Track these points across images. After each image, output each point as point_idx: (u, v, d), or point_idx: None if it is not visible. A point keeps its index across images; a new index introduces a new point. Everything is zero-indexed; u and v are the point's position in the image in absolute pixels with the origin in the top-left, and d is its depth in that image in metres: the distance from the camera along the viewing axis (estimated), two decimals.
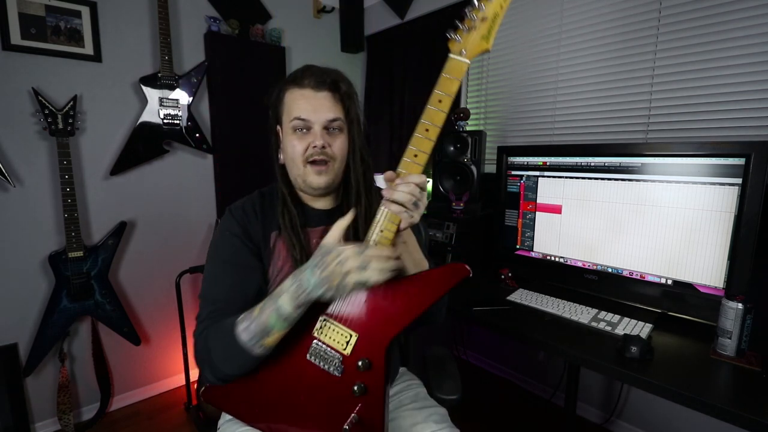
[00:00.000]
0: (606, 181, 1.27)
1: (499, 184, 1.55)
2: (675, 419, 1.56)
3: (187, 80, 1.88)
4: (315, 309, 0.74)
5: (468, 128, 1.88)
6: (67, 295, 1.62)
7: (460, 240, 1.64)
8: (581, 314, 1.19)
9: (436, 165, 1.90)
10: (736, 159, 1.04)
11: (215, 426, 0.93)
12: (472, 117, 2.03)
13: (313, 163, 0.80)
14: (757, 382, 0.88)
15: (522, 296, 1.34)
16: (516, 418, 1.87)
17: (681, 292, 1.16)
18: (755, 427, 0.77)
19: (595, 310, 1.21)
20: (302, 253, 0.81)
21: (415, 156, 0.70)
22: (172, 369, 2.05)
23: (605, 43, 1.63)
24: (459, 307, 1.30)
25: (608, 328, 1.11)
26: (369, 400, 0.73)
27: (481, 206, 1.79)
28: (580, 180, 1.33)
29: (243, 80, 2.06)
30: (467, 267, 0.71)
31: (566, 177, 1.37)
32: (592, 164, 1.31)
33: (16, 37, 1.53)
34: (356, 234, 0.83)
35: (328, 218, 0.87)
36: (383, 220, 0.71)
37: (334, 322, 0.75)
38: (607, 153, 1.28)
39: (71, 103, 1.59)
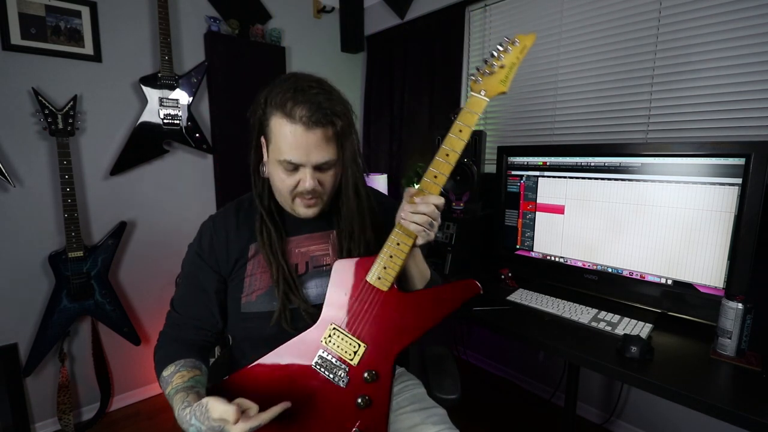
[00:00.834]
0: (606, 181, 1.27)
1: (499, 184, 1.55)
2: (675, 419, 1.56)
3: (187, 80, 1.88)
4: (324, 317, 0.76)
5: None
6: (67, 295, 1.62)
7: (460, 240, 1.64)
8: (581, 314, 1.19)
9: None
10: (736, 159, 1.04)
11: None
12: None
13: (303, 197, 0.78)
14: (757, 382, 0.88)
15: (522, 296, 1.34)
16: (516, 418, 1.87)
17: (681, 292, 1.16)
18: (755, 427, 0.76)
19: (595, 310, 1.21)
20: (279, 272, 0.80)
21: (435, 177, 0.76)
22: None
23: (605, 43, 1.63)
24: (459, 307, 1.30)
25: (608, 328, 1.11)
26: (373, 413, 0.73)
27: (481, 206, 1.79)
28: (580, 180, 1.33)
29: (243, 80, 2.06)
30: (478, 284, 0.74)
31: (566, 177, 1.37)
32: (592, 164, 1.30)
33: (16, 37, 1.53)
34: (344, 240, 0.84)
35: (312, 225, 0.86)
36: (400, 235, 0.75)
37: (344, 331, 0.76)
38: (607, 153, 1.28)
39: (71, 103, 1.59)
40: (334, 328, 0.76)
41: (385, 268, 0.76)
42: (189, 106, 1.89)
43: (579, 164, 1.34)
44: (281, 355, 0.77)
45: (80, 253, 1.62)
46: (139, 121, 1.79)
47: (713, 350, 0.99)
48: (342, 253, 0.84)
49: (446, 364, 1.07)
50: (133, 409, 1.91)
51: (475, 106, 0.77)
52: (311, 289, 0.84)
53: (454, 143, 0.76)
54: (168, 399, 0.74)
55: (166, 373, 0.77)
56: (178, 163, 1.98)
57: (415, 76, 2.32)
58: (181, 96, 1.87)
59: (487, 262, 1.65)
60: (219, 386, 0.78)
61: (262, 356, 0.78)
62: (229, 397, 0.74)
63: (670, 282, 1.18)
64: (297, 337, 0.76)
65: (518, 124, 1.97)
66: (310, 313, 0.80)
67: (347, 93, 0.85)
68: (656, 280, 1.21)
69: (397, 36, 2.39)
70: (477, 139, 1.77)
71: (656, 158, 1.17)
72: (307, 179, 0.75)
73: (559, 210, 1.39)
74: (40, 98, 1.52)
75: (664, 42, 1.48)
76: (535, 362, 2.02)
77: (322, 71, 0.81)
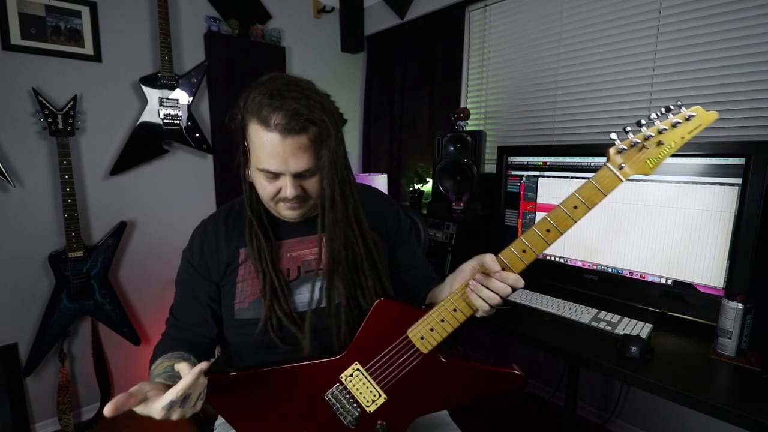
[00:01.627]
0: None
1: (499, 184, 1.55)
2: (675, 419, 1.56)
3: (187, 80, 1.88)
4: (350, 353, 0.72)
5: (468, 128, 1.88)
6: (67, 295, 1.62)
7: (460, 240, 1.64)
8: (581, 314, 1.19)
9: (436, 165, 1.90)
10: (736, 159, 1.04)
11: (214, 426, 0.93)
12: (472, 117, 2.03)
13: (286, 202, 0.75)
14: (757, 382, 0.88)
15: (522, 296, 1.34)
16: (516, 417, 1.87)
17: (681, 292, 1.16)
18: (755, 427, 0.76)
19: (595, 310, 1.21)
20: (266, 281, 0.78)
21: (524, 252, 0.65)
22: None
23: (605, 43, 1.63)
24: None
25: (608, 328, 1.11)
26: None
27: (481, 206, 1.79)
28: (580, 180, 1.33)
29: (243, 80, 2.02)
30: (524, 379, 0.68)
31: (566, 177, 1.37)
32: (592, 164, 1.31)
33: (16, 37, 1.53)
34: (338, 243, 0.78)
35: (304, 228, 0.84)
36: (460, 303, 0.67)
37: (368, 376, 0.72)
38: None
39: (71, 103, 1.59)
40: (357, 369, 0.72)
41: (432, 330, 0.68)
42: (189, 106, 1.89)
43: (579, 164, 1.34)
44: (297, 373, 0.73)
45: (80, 253, 1.62)
46: (139, 121, 1.79)
47: (713, 350, 0.99)
48: (330, 262, 0.78)
49: None
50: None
51: (605, 184, 0.61)
52: (301, 294, 0.81)
53: (562, 220, 0.63)
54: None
55: (152, 365, 0.77)
56: (178, 163, 1.98)
57: (415, 76, 2.32)
58: (181, 96, 1.87)
59: None
60: (222, 377, 0.74)
61: (262, 362, 0.76)
62: (230, 391, 0.73)
63: (670, 282, 1.18)
64: (318, 361, 0.73)
65: (518, 124, 1.97)
66: (294, 323, 0.77)
67: (347, 93, 0.84)
68: (656, 280, 1.21)
69: (397, 36, 2.39)
70: (477, 139, 1.77)
71: None
72: (288, 187, 0.72)
73: None
74: (40, 98, 1.52)
75: (664, 42, 1.48)
76: (535, 362, 2.02)
77: (322, 71, 0.79)
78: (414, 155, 2.36)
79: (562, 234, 0.63)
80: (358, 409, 0.71)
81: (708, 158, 1.09)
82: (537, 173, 1.44)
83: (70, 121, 1.59)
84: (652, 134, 0.59)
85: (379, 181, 2.29)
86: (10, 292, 1.61)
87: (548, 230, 0.63)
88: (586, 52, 1.69)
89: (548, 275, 1.45)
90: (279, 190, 0.74)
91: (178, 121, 1.87)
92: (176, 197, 1.99)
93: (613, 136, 0.61)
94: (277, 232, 0.83)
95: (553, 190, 1.40)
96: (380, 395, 0.71)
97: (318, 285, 0.80)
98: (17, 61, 1.55)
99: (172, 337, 0.84)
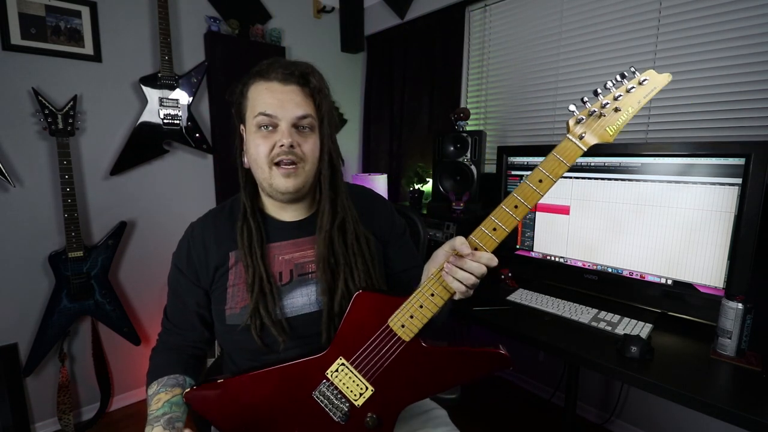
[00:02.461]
0: (606, 181, 1.27)
1: (499, 184, 1.55)
2: (675, 419, 1.56)
3: (187, 80, 1.88)
4: (334, 348, 0.72)
5: (468, 128, 1.88)
6: (67, 295, 1.62)
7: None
8: (581, 314, 1.19)
9: (436, 165, 1.90)
10: (736, 159, 1.04)
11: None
12: (472, 117, 2.03)
13: (280, 164, 0.72)
14: (757, 382, 0.88)
15: (522, 296, 1.34)
16: (516, 418, 1.87)
17: (681, 292, 1.16)
18: (755, 427, 0.76)
19: (595, 310, 1.21)
20: (255, 276, 0.75)
21: (494, 230, 0.65)
22: None
23: (605, 43, 1.63)
24: (459, 307, 1.30)
25: (608, 328, 1.11)
26: None
27: (481, 206, 1.79)
28: (580, 180, 1.33)
29: None
30: (508, 358, 0.69)
31: (566, 177, 1.37)
32: (592, 164, 1.30)
33: (16, 37, 1.53)
34: (332, 245, 0.78)
35: (297, 230, 0.82)
36: (437, 287, 0.67)
37: (353, 370, 0.71)
38: (607, 153, 1.28)
39: (71, 103, 1.59)
40: (342, 364, 0.72)
41: (411, 317, 0.68)
42: (189, 106, 1.89)
43: (579, 164, 1.34)
44: (282, 374, 0.72)
45: (80, 253, 1.62)
46: (139, 121, 1.79)
47: (713, 350, 0.99)
48: (325, 263, 0.78)
49: None
50: (133, 409, 1.91)
51: (567, 155, 0.62)
52: (296, 298, 0.78)
53: (528, 195, 0.63)
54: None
55: (150, 391, 0.77)
56: (178, 163, 1.98)
57: (415, 76, 2.32)
58: (181, 96, 1.87)
59: None
60: (210, 385, 0.74)
61: (253, 367, 0.75)
62: (217, 399, 0.72)
63: (670, 282, 1.18)
64: (302, 360, 0.72)
65: (518, 124, 1.97)
66: (280, 327, 0.75)
67: (347, 93, 0.85)
68: (656, 280, 1.21)
69: (397, 36, 2.39)
70: (477, 139, 1.77)
71: (656, 158, 1.17)
72: (284, 135, 0.71)
73: (567, 211, 1.39)
74: (40, 98, 1.52)
75: (664, 42, 1.48)
76: (535, 362, 2.02)
77: (322, 71, 0.80)
78: (414, 155, 2.36)
79: (529, 209, 0.64)
80: (347, 404, 0.71)
81: (708, 158, 1.09)
82: None
83: (70, 121, 1.59)
84: (609, 102, 0.60)
85: (379, 181, 2.29)
86: (10, 292, 1.61)
87: (516, 206, 0.64)
88: (586, 52, 1.69)
89: (548, 275, 1.45)
90: (273, 146, 0.72)
91: (178, 121, 1.87)
92: (176, 197, 1.99)
93: (572, 108, 0.62)
94: (267, 234, 0.81)
95: (553, 190, 1.39)
96: (367, 388, 0.71)
97: (314, 289, 0.79)
98: (17, 61, 1.55)
99: (166, 346, 0.85)
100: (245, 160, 0.78)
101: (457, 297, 0.68)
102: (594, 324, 1.13)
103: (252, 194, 0.81)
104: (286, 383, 0.72)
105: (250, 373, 0.72)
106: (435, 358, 0.71)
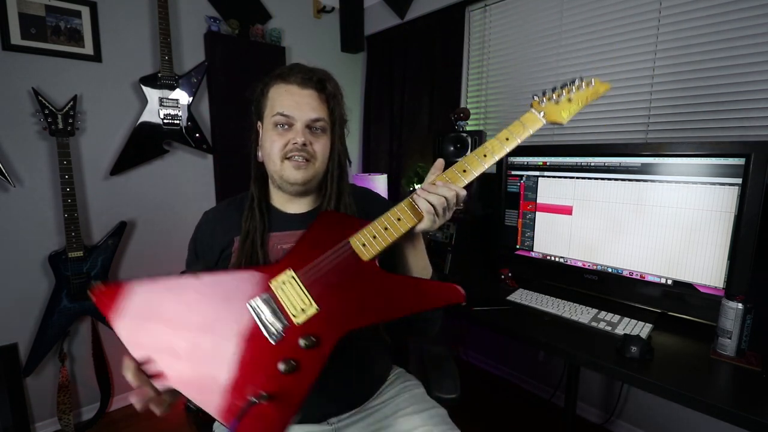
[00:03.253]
0: (606, 181, 1.27)
1: (499, 184, 1.55)
2: (675, 419, 1.56)
3: (187, 80, 1.88)
4: (285, 260, 0.68)
5: (468, 128, 1.87)
6: (67, 295, 1.62)
7: (460, 240, 1.64)
8: (581, 314, 1.19)
9: None
10: (736, 159, 1.04)
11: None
12: (472, 117, 2.03)
13: (291, 158, 0.79)
14: (757, 382, 0.88)
15: (522, 296, 1.34)
16: (516, 418, 1.87)
17: (681, 292, 1.16)
18: (755, 427, 0.76)
19: (595, 310, 1.21)
20: (243, 251, 0.80)
21: (464, 171, 0.71)
22: None
23: (605, 43, 1.63)
24: (459, 307, 1.30)
25: (608, 328, 1.11)
26: (293, 383, 0.63)
27: (481, 206, 1.79)
28: (580, 180, 1.33)
29: (243, 80, 2.04)
30: (462, 293, 0.67)
31: (566, 177, 1.37)
32: (592, 164, 1.30)
33: (16, 37, 1.53)
34: None
35: (299, 223, 0.85)
36: (405, 211, 0.69)
37: (300, 284, 0.66)
38: (607, 153, 1.28)
39: (71, 103, 1.59)
40: (291, 277, 0.67)
41: (375, 237, 0.68)
42: (189, 106, 1.89)
43: (579, 164, 1.34)
44: (221, 279, 0.68)
45: (80, 253, 1.62)
46: (139, 121, 1.79)
47: (713, 350, 0.99)
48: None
49: (445, 364, 1.07)
50: (133, 409, 1.88)
51: (531, 123, 0.73)
52: None
53: (496, 148, 0.71)
54: None
55: None
56: (178, 163, 1.98)
57: (415, 76, 2.32)
58: (181, 96, 1.87)
59: (487, 262, 1.65)
60: (127, 283, 0.67)
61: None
62: (132, 302, 0.66)
63: (670, 282, 1.18)
64: (247, 267, 0.69)
65: None
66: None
67: (347, 93, 0.87)
68: (656, 280, 1.21)
69: (397, 36, 2.39)
70: (477, 139, 1.77)
71: (656, 158, 1.17)
72: (298, 134, 0.77)
73: (569, 211, 1.39)
74: (40, 98, 1.52)
75: (664, 42, 1.48)
76: (535, 362, 2.02)
77: None
78: (414, 155, 2.36)
79: (495, 159, 0.72)
80: (284, 322, 0.65)
81: (708, 158, 1.09)
82: (537, 173, 1.44)
83: (70, 121, 1.59)
84: (564, 95, 0.75)
85: (379, 181, 2.29)
86: (10, 292, 1.61)
87: (485, 155, 0.72)
88: (586, 52, 1.69)
89: (548, 275, 1.45)
90: (288, 142, 0.78)
91: (178, 121, 1.87)
92: (176, 197, 1.99)
93: (535, 97, 0.76)
94: (270, 224, 0.85)
95: (553, 190, 1.41)
96: (311, 304, 0.66)
97: None
98: (17, 61, 1.55)
99: None
100: (259, 154, 0.85)
101: (422, 226, 0.69)
102: (594, 324, 1.14)
103: (261, 186, 0.87)
104: (222, 288, 0.66)
105: (177, 276, 0.68)
106: (389, 284, 0.68)
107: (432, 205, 0.68)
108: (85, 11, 1.66)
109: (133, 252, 1.89)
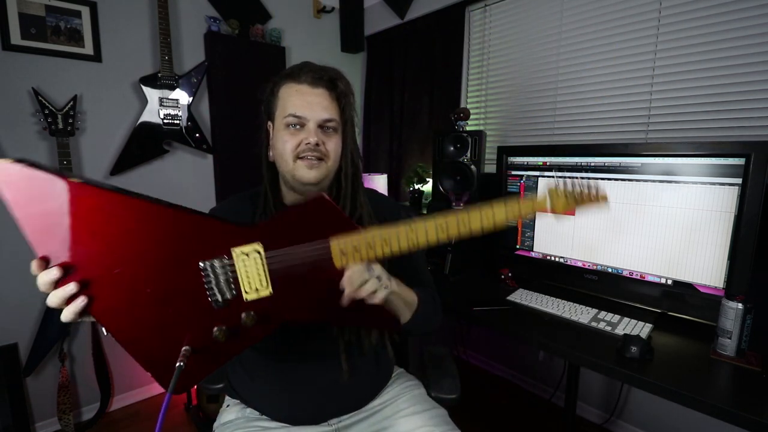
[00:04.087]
0: (606, 181, 1.27)
1: (499, 184, 1.55)
2: (675, 419, 1.56)
3: (187, 80, 1.88)
4: (258, 230, 0.64)
5: (468, 128, 1.88)
6: None
7: (460, 240, 1.64)
8: (581, 314, 1.19)
9: (436, 165, 1.90)
10: (736, 159, 1.04)
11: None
12: (472, 117, 2.03)
13: (304, 158, 0.77)
14: (757, 382, 0.88)
15: (522, 296, 1.34)
16: (516, 418, 1.87)
17: (681, 292, 1.16)
18: (755, 427, 0.77)
19: (595, 310, 1.21)
20: None
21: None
22: None
23: (605, 43, 1.63)
24: (459, 307, 1.30)
25: (608, 328, 1.11)
26: (222, 348, 0.64)
27: None
28: (580, 180, 1.33)
29: (243, 80, 2.06)
30: (399, 326, 0.70)
31: (566, 177, 1.37)
32: (592, 164, 1.31)
33: (16, 37, 1.53)
34: None
35: None
36: (396, 235, 0.63)
37: (264, 263, 0.63)
38: (607, 153, 1.28)
39: (71, 103, 1.59)
40: (257, 252, 0.63)
41: (356, 249, 0.63)
42: (189, 106, 1.89)
43: (579, 164, 1.34)
44: (179, 222, 0.63)
45: None
46: (139, 121, 1.79)
47: (713, 350, 0.99)
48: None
49: (445, 364, 1.07)
50: (133, 409, 1.91)
51: (526, 207, 0.71)
52: None
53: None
54: None
55: None
56: (178, 163, 1.98)
57: (415, 76, 2.32)
58: (181, 96, 1.87)
59: (487, 262, 1.65)
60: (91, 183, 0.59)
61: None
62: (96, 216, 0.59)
63: (670, 282, 1.18)
64: (216, 220, 0.64)
65: (518, 124, 1.97)
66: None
67: None
68: (656, 280, 1.21)
69: (397, 36, 2.39)
70: (477, 139, 1.77)
71: (656, 158, 1.17)
72: (311, 134, 0.76)
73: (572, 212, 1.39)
74: (40, 98, 1.52)
75: (664, 42, 1.48)
76: (535, 362, 2.02)
77: None
78: (414, 155, 2.36)
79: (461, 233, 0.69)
80: (234, 293, 0.63)
81: (708, 158, 1.09)
82: (537, 173, 1.44)
83: (70, 121, 1.59)
84: (577, 197, 0.69)
85: (379, 181, 2.29)
86: (10, 292, 1.61)
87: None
88: (586, 52, 1.69)
89: (548, 275, 1.45)
90: (300, 142, 0.77)
91: (178, 121, 1.87)
92: (176, 197, 1.96)
93: (554, 184, 0.71)
94: None
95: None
96: (267, 287, 0.64)
97: None
98: (17, 61, 1.55)
99: None
100: (270, 154, 0.83)
101: (376, 300, 0.66)
102: (594, 324, 1.14)
103: (273, 186, 0.86)
104: (178, 234, 0.62)
105: (139, 199, 0.63)
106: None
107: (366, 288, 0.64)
108: (85, 11, 1.66)
109: None
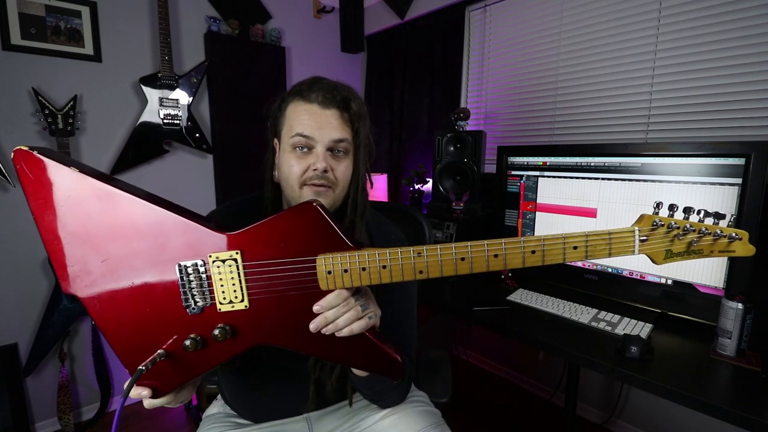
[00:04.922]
0: (606, 181, 1.27)
1: (499, 184, 1.55)
2: (675, 419, 1.56)
3: (187, 80, 1.88)
4: (239, 237, 0.59)
5: (468, 128, 1.88)
6: (67, 295, 1.62)
7: (460, 240, 1.64)
8: (581, 314, 1.19)
9: (436, 165, 1.90)
10: (736, 159, 1.04)
11: None
12: (472, 117, 2.03)
13: (311, 186, 0.71)
14: (757, 382, 0.88)
15: (522, 296, 1.34)
16: (516, 418, 1.87)
17: (681, 292, 1.16)
18: (755, 427, 0.76)
19: (595, 310, 1.21)
20: None
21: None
22: None
23: (605, 43, 1.63)
24: (459, 307, 1.30)
25: (608, 328, 1.11)
26: (195, 358, 0.60)
27: (481, 206, 1.79)
28: (580, 180, 1.33)
29: (243, 80, 2.06)
30: (401, 369, 0.61)
31: (566, 177, 1.37)
32: (592, 164, 1.30)
33: (16, 37, 1.53)
34: None
35: None
36: (386, 269, 0.57)
37: (242, 273, 0.58)
38: (607, 153, 1.28)
39: (71, 103, 1.59)
40: (234, 260, 0.58)
41: (345, 271, 0.57)
42: (189, 106, 1.89)
43: (579, 164, 1.34)
44: (161, 219, 0.60)
45: None
46: (139, 121, 1.79)
47: (713, 350, 0.99)
48: None
49: (441, 368, 1.07)
50: (133, 409, 1.90)
51: (618, 243, 0.58)
52: None
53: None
54: None
55: None
56: (178, 163, 1.98)
57: (415, 76, 2.32)
58: (181, 96, 1.87)
59: None
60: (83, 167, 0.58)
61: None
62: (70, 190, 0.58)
63: (670, 282, 1.18)
64: (194, 221, 0.60)
65: (518, 124, 1.97)
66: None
67: None
68: (656, 280, 1.21)
69: (397, 36, 2.39)
70: (477, 139, 1.77)
71: (656, 158, 1.17)
72: (319, 159, 0.70)
73: (563, 210, 1.39)
74: (40, 98, 1.52)
75: (664, 42, 1.48)
76: (535, 362, 2.02)
77: (322, 71, 0.80)
78: (414, 155, 2.36)
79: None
80: (208, 301, 0.59)
81: (708, 158, 1.09)
82: (537, 173, 1.44)
83: (70, 121, 1.59)
84: (681, 236, 0.55)
85: (379, 181, 2.29)
86: (10, 292, 1.61)
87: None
88: (586, 52, 1.69)
89: (548, 275, 1.45)
90: (307, 168, 0.71)
91: (178, 121, 1.87)
92: (176, 197, 1.96)
93: (653, 223, 0.57)
94: None
95: (553, 190, 1.40)
96: (242, 300, 0.59)
97: None
98: (17, 61, 1.55)
99: None
100: (275, 174, 0.78)
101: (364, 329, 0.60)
102: (594, 324, 1.13)
103: (276, 207, 0.80)
104: (156, 231, 0.59)
105: (129, 192, 0.61)
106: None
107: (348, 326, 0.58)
108: (85, 11, 1.66)
109: None
